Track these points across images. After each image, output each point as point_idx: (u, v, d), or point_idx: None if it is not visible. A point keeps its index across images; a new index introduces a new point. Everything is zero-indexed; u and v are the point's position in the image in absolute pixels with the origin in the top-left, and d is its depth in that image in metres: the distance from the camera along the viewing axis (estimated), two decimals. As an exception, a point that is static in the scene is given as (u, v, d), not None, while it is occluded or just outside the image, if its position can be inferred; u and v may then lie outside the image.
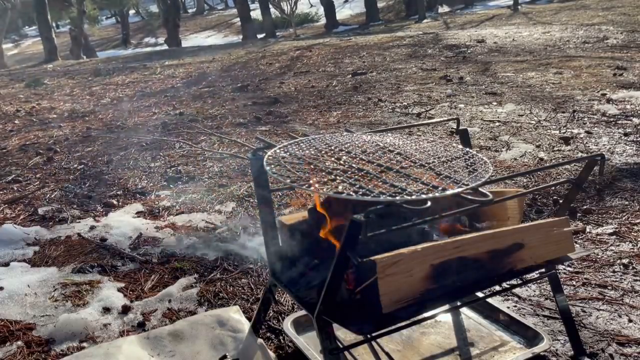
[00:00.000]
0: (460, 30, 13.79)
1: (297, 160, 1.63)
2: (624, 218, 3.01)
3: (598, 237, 2.83)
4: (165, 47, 20.40)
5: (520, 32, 11.94)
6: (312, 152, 1.71)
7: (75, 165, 4.75)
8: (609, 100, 5.61)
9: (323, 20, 23.51)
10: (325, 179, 1.47)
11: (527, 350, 1.90)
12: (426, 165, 1.60)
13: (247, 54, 12.90)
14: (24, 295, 2.54)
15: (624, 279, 2.42)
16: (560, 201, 3.16)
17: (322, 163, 1.60)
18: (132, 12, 31.92)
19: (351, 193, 1.35)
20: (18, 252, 3.04)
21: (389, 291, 1.42)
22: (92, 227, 3.31)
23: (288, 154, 1.69)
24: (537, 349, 1.88)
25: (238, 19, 23.43)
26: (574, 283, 2.43)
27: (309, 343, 1.95)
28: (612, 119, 4.94)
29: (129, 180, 4.26)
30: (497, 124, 5.12)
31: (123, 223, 3.34)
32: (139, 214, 3.56)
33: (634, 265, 2.52)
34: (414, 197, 1.33)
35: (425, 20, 19.19)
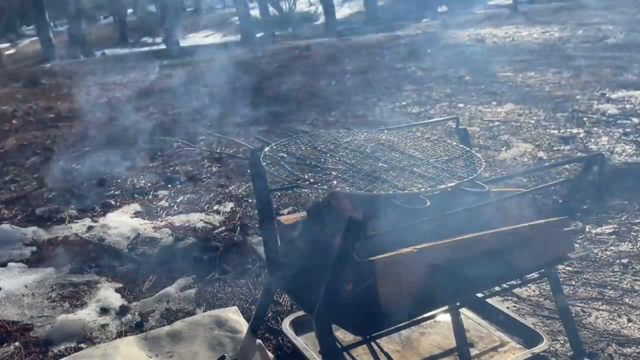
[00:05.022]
0: (460, 29, 13.78)
1: (295, 158, 1.62)
2: (623, 218, 3.01)
3: (597, 236, 2.82)
4: (163, 46, 20.36)
5: (519, 31, 11.93)
6: (310, 149, 1.70)
7: (73, 165, 4.74)
8: (608, 100, 5.61)
9: (322, 19, 23.48)
10: (322, 176, 1.46)
11: (526, 350, 1.89)
12: (424, 162, 1.59)
13: (246, 53, 12.88)
14: (22, 295, 2.53)
15: (624, 279, 2.42)
16: (560, 201, 3.16)
17: (319, 160, 1.59)
18: (129, 11, 31.85)
19: (346, 189, 1.35)
20: (15, 252, 3.02)
21: (388, 291, 1.41)
22: (89, 228, 3.29)
23: (285, 151, 1.68)
24: (537, 349, 1.87)
25: (237, 18, 23.40)
26: (574, 283, 2.42)
27: (307, 343, 1.94)
28: (611, 119, 4.93)
29: (127, 180, 4.25)
30: (497, 123, 5.11)
31: (121, 223, 3.33)
32: (137, 214, 3.55)
33: (633, 265, 2.51)
34: (413, 190, 1.32)
35: (424, 20, 19.18)
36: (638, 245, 2.70)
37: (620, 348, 1.97)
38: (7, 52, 21.73)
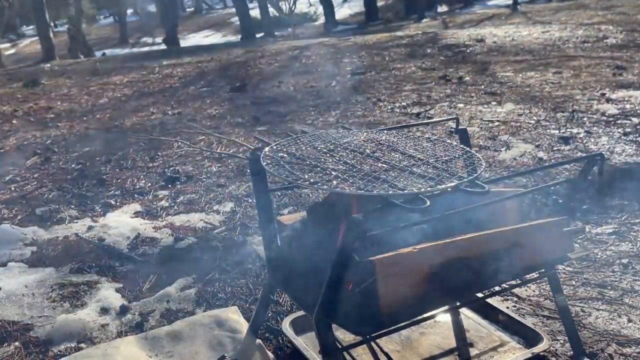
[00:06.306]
0: (460, 29, 13.77)
1: (295, 159, 1.62)
2: (623, 218, 3.01)
3: (597, 236, 2.83)
4: (163, 46, 20.37)
5: (519, 31, 11.93)
6: (310, 150, 1.70)
7: (73, 165, 4.74)
8: (608, 100, 5.61)
9: (322, 20, 23.48)
10: (323, 176, 1.46)
11: (526, 350, 1.89)
12: (424, 162, 1.59)
13: (246, 53, 12.88)
14: (22, 295, 2.53)
15: (624, 279, 2.42)
16: (560, 201, 3.15)
17: (319, 160, 1.59)
18: (130, 11, 31.85)
19: (346, 189, 1.35)
20: (15, 252, 3.02)
21: (388, 291, 1.41)
22: (90, 228, 3.30)
23: (285, 152, 1.68)
24: (537, 349, 1.88)
25: (236, 18, 23.40)
26: (574, 283, 2.42)
27: (307, 343, 1.94)
28: (611, 119, 4.93)
29: (127, 180, 4.25)
30: (497, 123, 5.11)
31: (121, 223, 3.33)
32: (137, 214, 3.55)
33: (633, 265, 2.51)
34: (413, 191, 1.32)
35: (424, 20, 19.18)
36: (638, 245, 2.70)
37: (620, 348, 1.97)
38: (7, 52, 21.73)
